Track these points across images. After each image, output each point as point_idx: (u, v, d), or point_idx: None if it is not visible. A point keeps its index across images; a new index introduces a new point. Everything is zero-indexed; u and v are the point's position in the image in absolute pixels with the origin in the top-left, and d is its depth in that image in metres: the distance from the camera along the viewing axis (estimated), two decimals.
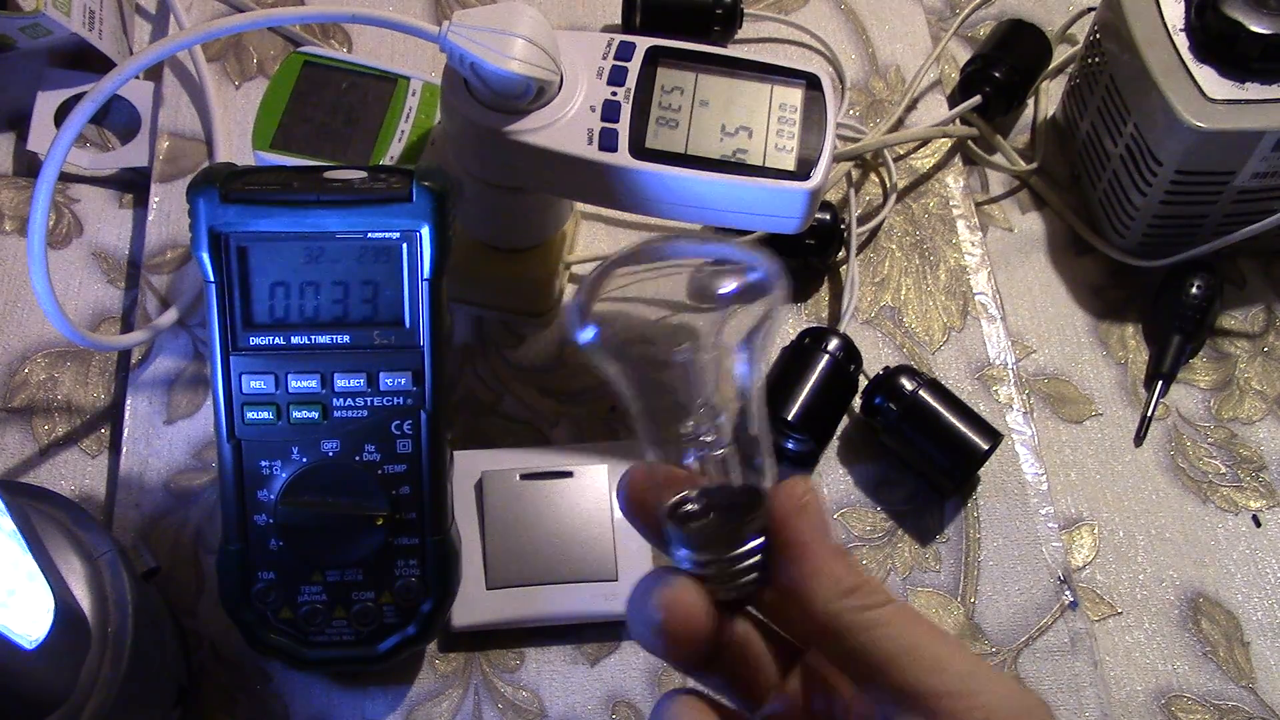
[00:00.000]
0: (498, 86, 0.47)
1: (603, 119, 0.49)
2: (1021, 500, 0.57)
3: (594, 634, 0.52)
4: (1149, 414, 0.60)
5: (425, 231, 0.45)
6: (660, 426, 0.34)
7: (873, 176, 0.66)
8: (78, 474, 0.55)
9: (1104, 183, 0.64)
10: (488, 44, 0.46)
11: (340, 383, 0.47)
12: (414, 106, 0.55)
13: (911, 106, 0.67)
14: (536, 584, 0.52)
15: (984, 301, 0.62)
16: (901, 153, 0.66)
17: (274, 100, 0.55)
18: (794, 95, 0.50)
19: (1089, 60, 0.64)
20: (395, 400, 0.47)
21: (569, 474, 0.53)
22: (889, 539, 0.56)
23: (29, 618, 0.39)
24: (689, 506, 0.34)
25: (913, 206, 0.65)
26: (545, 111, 0.49)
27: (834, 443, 0.58)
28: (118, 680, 0.42)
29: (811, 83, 0.51)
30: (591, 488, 0.53)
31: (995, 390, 0.59)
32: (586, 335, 0.34)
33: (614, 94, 0.49)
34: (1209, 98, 0.56)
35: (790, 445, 0.56)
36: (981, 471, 0.56)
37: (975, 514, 0.56)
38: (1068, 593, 0.54)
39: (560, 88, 0.49)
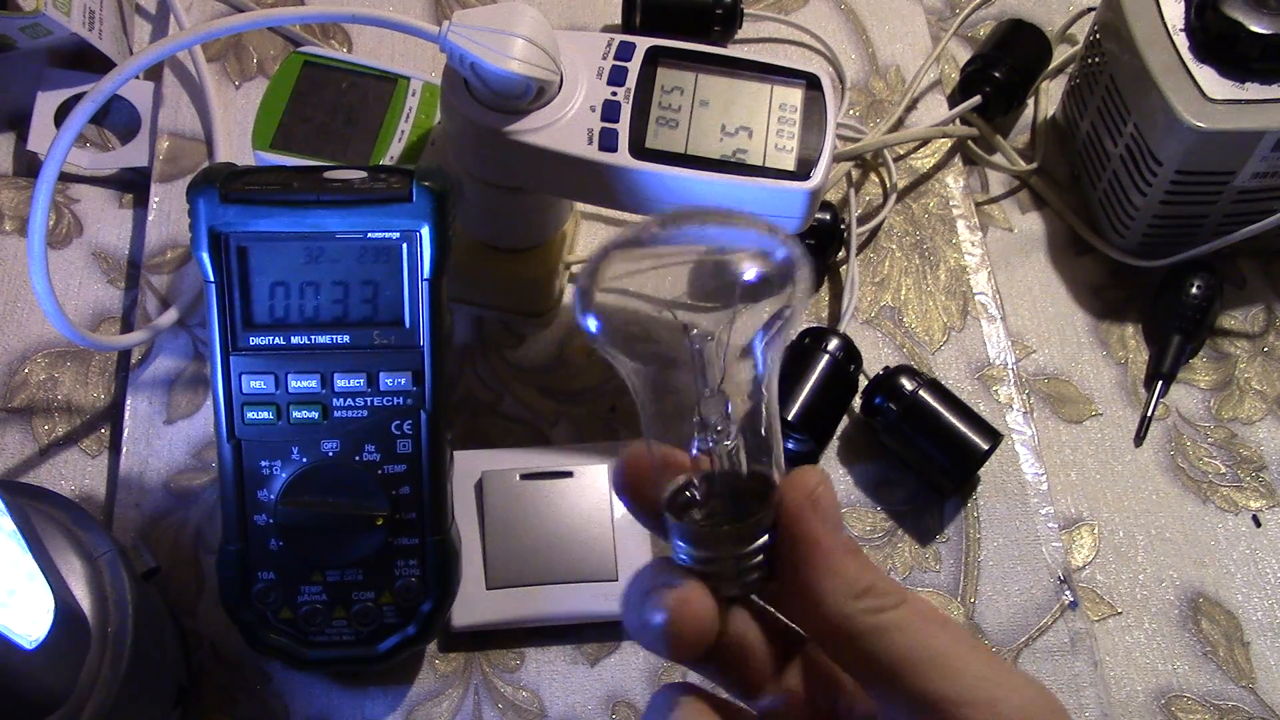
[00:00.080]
0: (498, 86, 0.47)
1: (603, 119, 0.49)
2: (1021, 500, 0.57)
3: (594, 634, 0.52)
4: (1149, 414, 0.60)
5: (425, 231, 0.45)
6: (666, 416, 0.32)
7: (873, 176, 0.66)
8: (78, 474, 0.55)
9: (1104, 183, 0.64)
10: (488, 44, 0.46)
11: (340, 383, 0.47)
12: (414, 106, 0.55)
13: (911, 106, 0.67)
14: (536, 584, 0.52)
15: (984, 301, 0.62)
16: (901, 153, 0.66)
17: (274, 100, 0.55)
18: (794, 95, 0.50)
19: (1089, 60, 0.64)
20: (395, 400, 0.47)
21: (569, 474, 0.53)
22: (889, 539, 0.56)
23: (29, 618, 0.39)
24: (690, 493, 0.32)
25: (913, 206, 0.65)
26: (545, 111, 0.49)
27: (834, 443, 0.58)
28: (118, 680, 0.42)
29: (811, 83, 0.51)
30: (591, 488, 0.53)
31: (995, 390, 0.59)
32: (590, 325, 0.32)
33: (614, 94, 0.49)
34: (1209, 98, 0.56)
35: (790, 445, 0.56)
36: (981, 471, 0.56)
37: (975, 514, 0.56)
38: (1068, 593, 0.54)
39: (560, 88, 0.49)
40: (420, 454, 0.47)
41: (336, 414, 0.47)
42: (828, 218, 0.60)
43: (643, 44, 0.51)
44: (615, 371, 0.33)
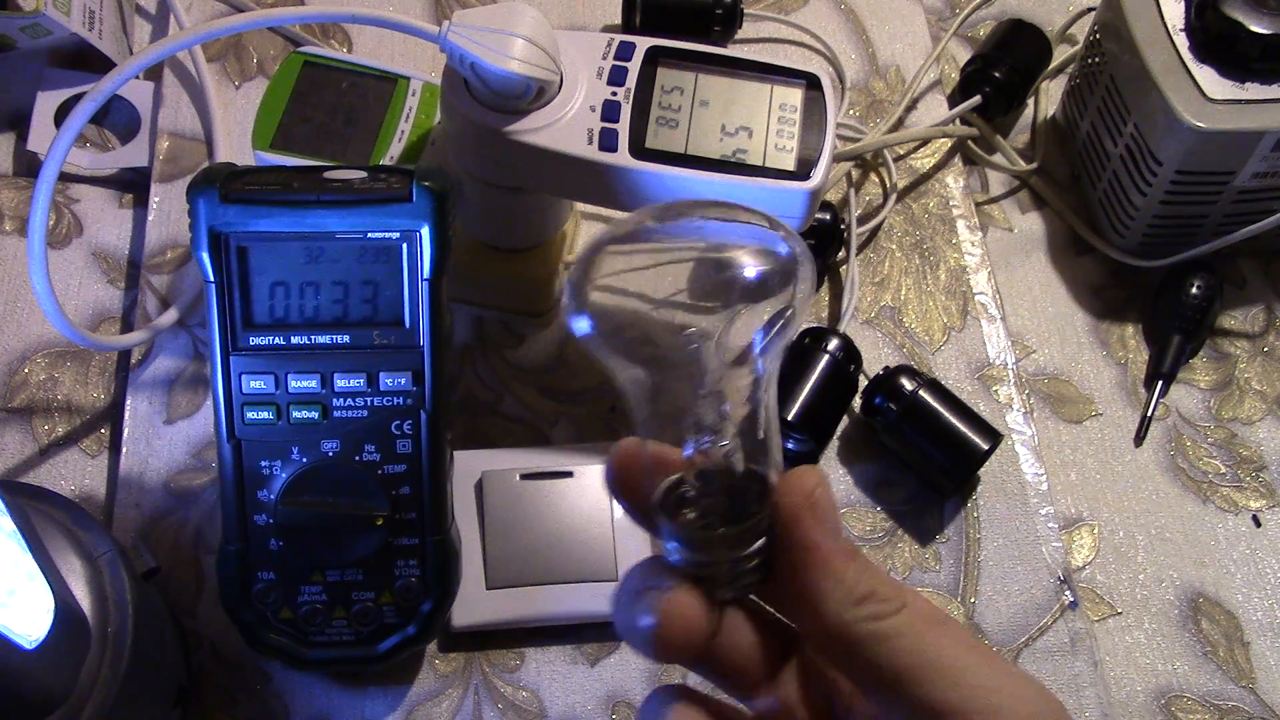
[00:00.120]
0: (498, 86, 0.47)
1: (603, 119, 0.49)
2: (1021, 500, 0.57)
3: (594, 634, 0.52)
4: (1149, 414, 0.60)
5: (425, 231, 0.45)
6: (661, 416, 0.31)
7: (873, 176, 0.66)
8: (78, 474, 0.55)
9: (1104, 183, 0.64)
10: (488, 44, 0.46)
11: (340, 383, 0.47)
12: (414, 106, 0.55)
13: (911, 106, 0.67)
14: (536, 584, 0.52)
15: (984, 301, 0.62)
16: (901, 153, 0.66)
17: (274, 100, 0.55)
18: (794, 95, 0.50)
19: (1089, 60, 0.64)
20: (395, 400, 0.47)
21: (569, 474, 0.53)
22: (889, 539, 0.56)
23: (29, 618, 0.39)
24: (684, 491, 0.31)
25: (913, 206, 0.65)
26: (545, 111, 0.49)
27: (834, 443, 0.58)
28: (118, 680, 0.42)
29: (811, 83, 0.51)
30: (591, 488, 0.53)
31: (995, 390, 0.59)
32: (581, 326, 0.31)
33: (614, 94, 0.49)
34: (1209, 98, 0.56)
35: (790, 445, 0.56)
36: (981, 471, 0.56)
37: (975, 514, 0.56)
38: (1068, 593, 0.54)
39: (560, 88, 0.49)
40: (420, 454, 0.47)
41: (336, 414, 0.47)
42: (828, 218, 0.60)
43: (643, 44, 0.51)
44: None
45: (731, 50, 0.51)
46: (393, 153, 0.54)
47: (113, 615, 0.43)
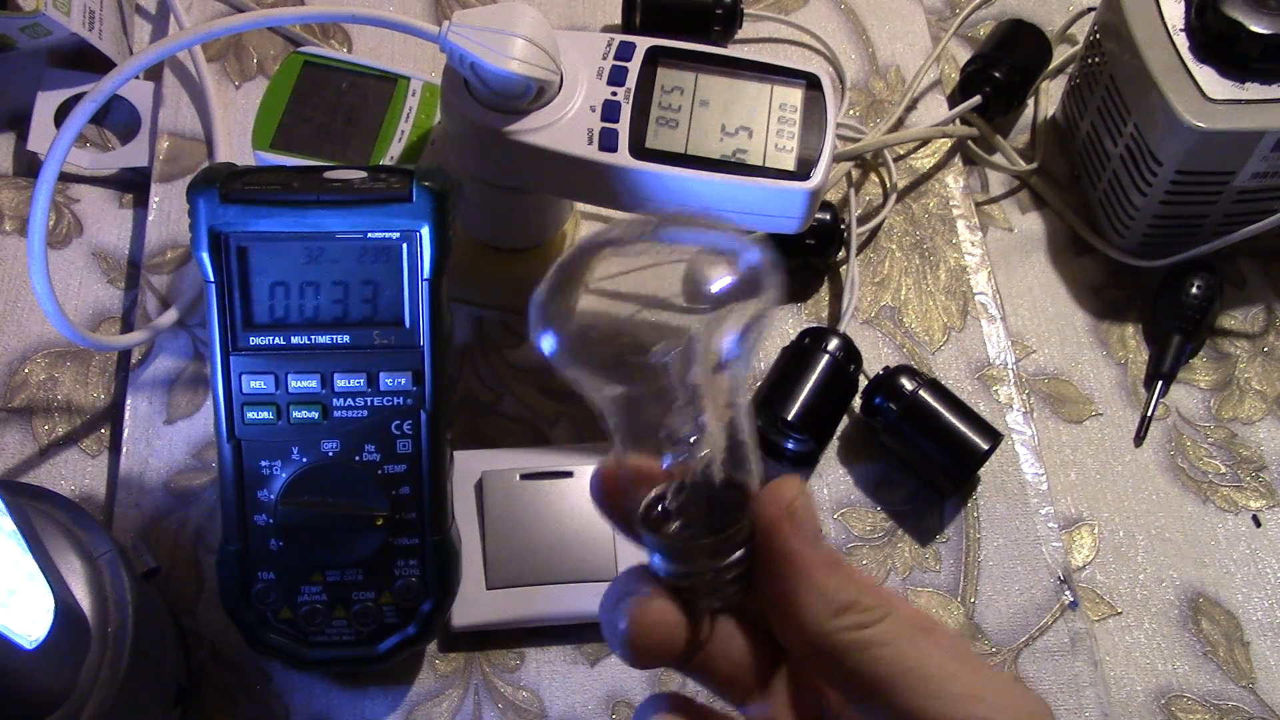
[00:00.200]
0: (498, 86, 0.47)
1: (603, 119, 0.49)
2: (1021, 500, 0.57)
3: (594, 634, 0.52)
4: (1149, 414, 0.60)
5: (425, 231, 0.45)
6: (637, 430, 0.31)
7: (873, 176, 0.66)
8: (78, 474, 0.55)
9: (1104, 183, 0.64)
10: (488, 44, 0.46)
11: (340, 383, 0.47)
12: (414, 106, 0.55)
13: (911, 106, 0.67)
14: (536, 584, 0.52)
15: (984, 301, 0.62)
16: (901, 153, 0.66)
17: (274, 100, 0.55)
18: (794, 95, 0.50)
19: (1089, 60, 0.64)
20: (395, 400, 0.47)
21: (569, 474, 0.53)
22: (889, 539, 0.56)
23: (29, 618, 0.39)
24: (665, 504, 0.31)
25: (913, 206, 0.65)
26: (545, 111, 0.49)
27: (834, 443, 0.58)
28: (118, 680, 0.42)
29: (811, 83, 0.51)
30: None
31: (995, 390, 0.59)
32: (548, 344, 0.31)
33: (614, 94, 0.49)
34: (1209, 98, 0.56)
35: (790, 445, 0.56)
36: (981, 471, 0.56)
37: (975, 514, 0.56)
38: (1068, 593, 0.54)
39: (560, 88, 0.49)
40: (420, 454, 0.47)
41: (336, 414, 0.47)
42: (828, 218, 0.60)
43: (643, 44, 0.51)
44: None
45: (731, 50, 0.51)
46: (393, 153, 0.54)
47: (113, 615, 0.43)
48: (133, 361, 0.57)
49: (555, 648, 0.52)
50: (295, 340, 0.46)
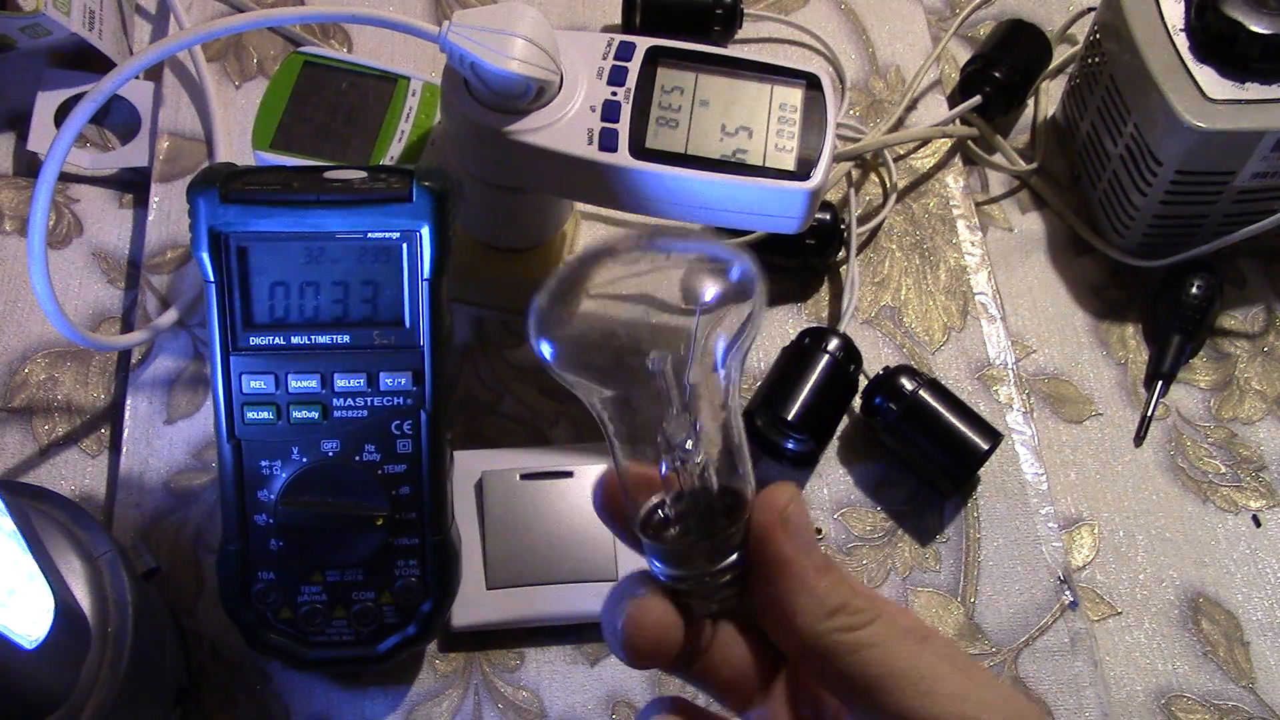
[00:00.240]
0: (498, 86, 0.47)
1: (603, 119, 0.49)
2: (1021, 500, 0.57)
3: (594, 634, 0.52)
4: (1149, 414, 0.60)
5: (425, 231, 0.45)
6: (634, 438, 0.32)
7: (873, 176, 0.66)
8: (78, 474, 0.55)
9: (1104, 183, 0.64)
10: (488, 44, 0.46)
11: (340, 383, 0.47)
12: (414, 106, 0.55)
13: (911, 106, 0.67)
14: (536, 584, 0.52)
15: (984, 301, 0.62)
16: (901, 153, 0.66)
17: (274, 100, 0.55)
18: (794, 95, 0.50)
19: (1089, 60, 0.64)
20: (395, 400, 0.47)
21: (569, 474, 0.53)
22: (889, 539, 0.56)
23: (29, 618, 0.39)
24: (663, 513, 0.32)
25: (913, 206, 0.65)
26: (545, 111, 0.49)
27: (834, 443, 0.58)
28: (118, 680, 0.42)
29: (811, 83, 0.51)
30: (591, 488, 0.53)
31: (995, 390, 0.59)
32: (547, 350, 0.32)
33: (614, 94, 0.49)
34: (1209, 98, 0.56)
35: (790, 445, 0.56)
36: (981, 471, 0.56)
37: (975, 514, 0.56)
38: (1068, 593, 0.54)
39: (560, 88, 0.49)
40: (420, 454, 0.47)
41: (336, 414, 0.47)
42: (828, 218, 0.60)
43: (643, 44, 0.51)
44: None
45: (731, 50, 0.51)
46: (393, 153, 0.54)
47: (113, 615, 0.43)
48: (133, 361, 0.57)
49: (555, 648, 0.52)
50: (295, 340, 0.46)
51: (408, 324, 0.47)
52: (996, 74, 0.65)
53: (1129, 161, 0.60)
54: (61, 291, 0.59)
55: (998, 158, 0.67)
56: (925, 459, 0.56)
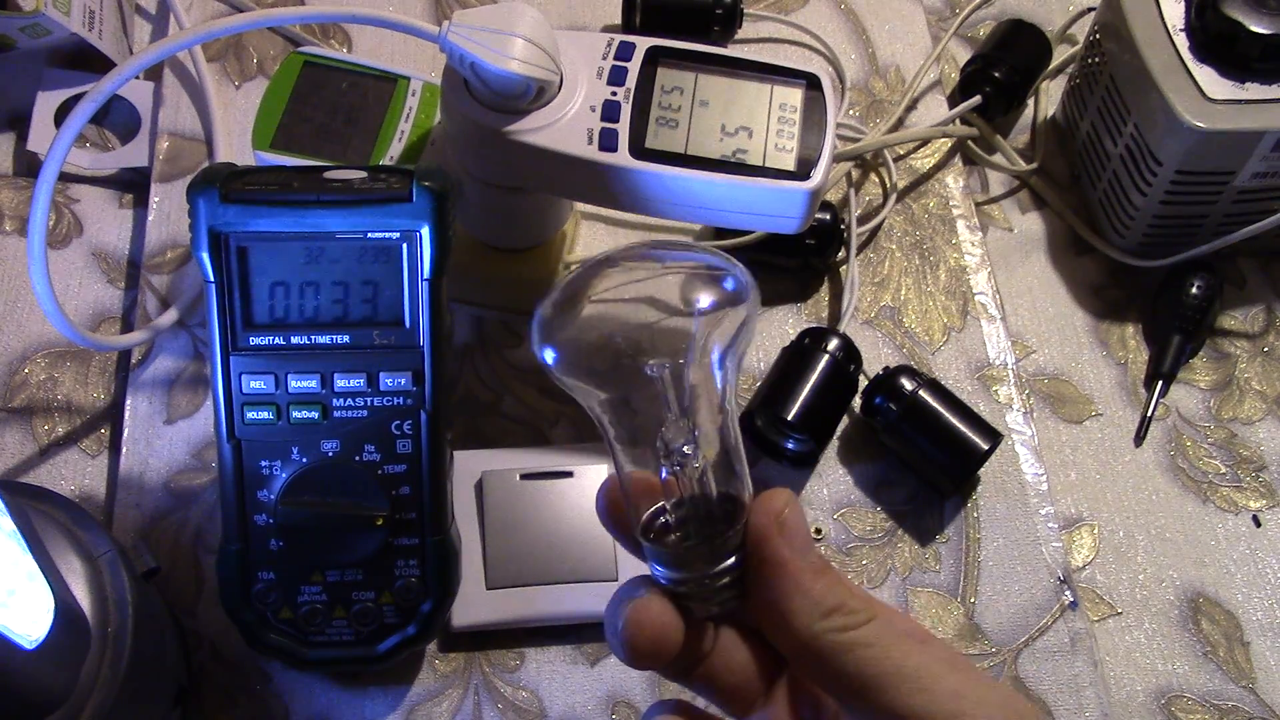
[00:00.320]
0: (498, 86, 0.47)
1: (603, 119, 0.49)
2: (1021, 500, 0.57)
3: (594, 634, 0.52)
4: (1149, 414, 0.60)
5: (425, 231, 0.45)
6: (634, 443, 0.33)
7: (873, 176, 0.66)
8: (78, 474, 0.55)
9: (1104, 183, 0.64)
10: (488, 44, 0.46)
11: (340, 383, 0.47)
12: (414, 106, 0.55)
13: (911, 106, 0.67)
14: (536, 584, 0.52)
15: (984, 301, 0.62)
16: (901, 153, 0.66)
17: (274, 100, 0.55)
18: (794, 95, 0.50)
19: (1089, 60, 0.64)
20: (395, 400, 0.47)
21: (569, 474, 0.53)
22: (889, 539, 0.56)
23: (29, 618, 0.39)
24: (664, 519, 0.33)
25: (913, 206, 0.65)
26: (545, 111, 0.49)
27: (834, 443, 0.58)
28: (118, 680, 0.42)
29: (811, 83, 0.51)
30: (591, 488, 0.53)
31: (995, 390, 0.59)
32: (550, 356, 0.33)
33: (614, 94, 0.49)
34: (1209, 98, 0.56)
35: (790, 445, 0.56)
36: (981, 471, 0.56)
37: (975, 514, 0.56)
38: (1068, 593, 0.54)
39: (560, 88, 0.49)
40: (420, 454, 0.47)
41: (336, 414, 0.47)
42: (828, 218, 0.60)
43: (643, 44, 0.51)
44: None
45: (731, 50, 0.51)
46: (393, 153, 0.54)
47: (113, 615, 0.43)
48: (133, 361, 0.57)
49: (555, 648, 0.52)
50: (295, 340, 0.46)
51: (408, 324, 0.47)
52: (996, 74, 0.65)
53: (1129, 161, 0.60)
54: (61, 291, 0.59)
55: (998, 158, 0.67)
56: (925, 459, 0.56)
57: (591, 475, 0.53)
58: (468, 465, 0.53)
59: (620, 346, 0.32)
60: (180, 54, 0.65)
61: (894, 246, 0.64)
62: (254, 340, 0.46)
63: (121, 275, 0.60)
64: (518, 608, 0.51)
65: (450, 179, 0.46)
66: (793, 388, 0.55)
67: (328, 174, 0.46)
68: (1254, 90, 0.56)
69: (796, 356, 0.56)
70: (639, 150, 0.49)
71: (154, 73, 0.65)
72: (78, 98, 0.58)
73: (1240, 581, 0.56)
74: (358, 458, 0.47)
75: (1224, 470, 0.59)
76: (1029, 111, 0.69)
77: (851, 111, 0.67)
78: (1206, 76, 0.56)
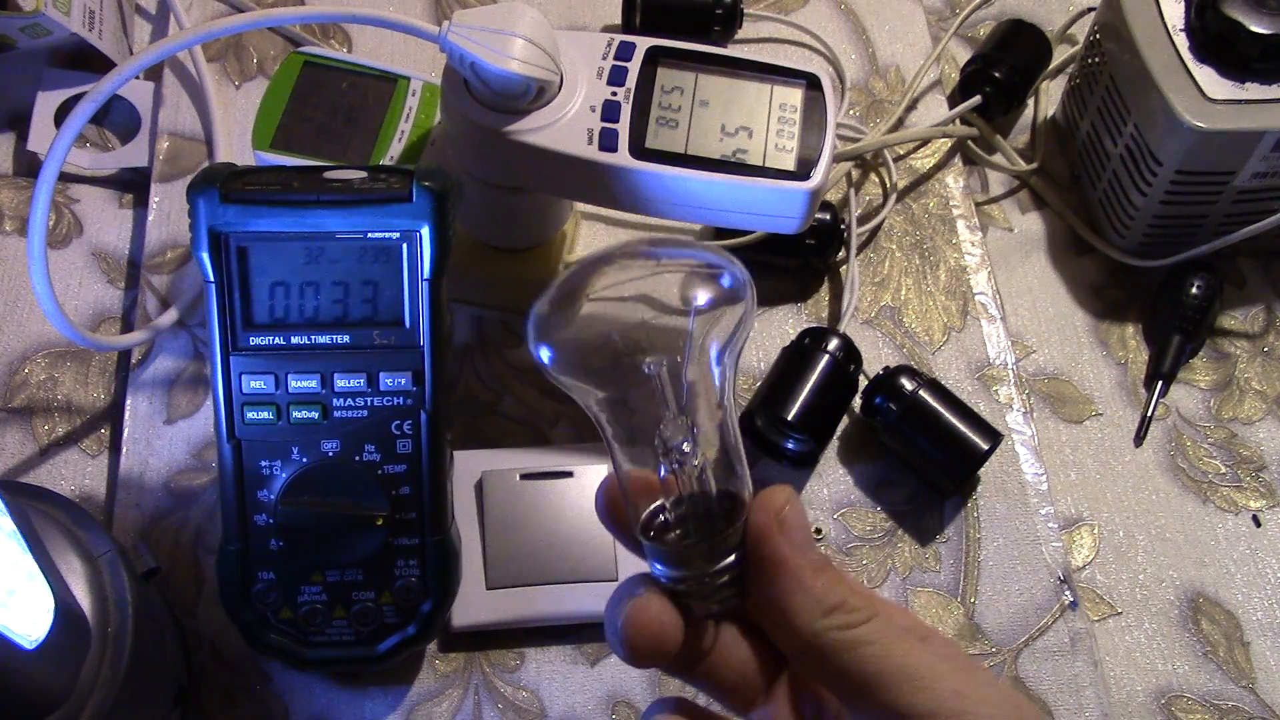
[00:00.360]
0: (498, 86, 0.47)
1: (603, 119, 0.49)
2: (1021, 500, 0.57)
3: (594, 634, 0.52)
4: (1149, 414, 0.60)
5: (425, 231, 0.45)
6: (633, 442, 0.33)
7: (873, 176, 0.66)
8: (78, 474, 0.55)
9: (1104, 183, 0.64)
10: (488, 44, 0.46)
11: (340, 383, 0.47)
12: (414, 106, 0.55)
13: (911, 106, 0.67)
14: (536, 584, 0.52)
15: (984, 301, 0.62)
16: (901, 153, 0.66)
17: (274, 100, 0.55)
18: (794, 95, 0.50)
19: (1089, 60, 0.64)
20: (395, 400, 0.47)
21: (569, 474, 0.53)
22: (889, 539, 0.56)
23: (29, 618, 0.39)
24: (663, 517, 0.33)
25: (913, 206, 0.65)
26: (545, 111, 0.49)
27: (834, 443, 0.58)
28: (118, 680, 0.42)
29: (811, 83, 0.51)
30: (591, 488, 0.53)
31: (995, 390, 0.59)
32: (545, 354, 0.33)
33: (614, 94, 0.49)
34: (1209, 98, 0.56)
35: (790, 445, 0.56)
36: (981, 471, 0.56)
37: (975, 514, 0.56)
38: (1068, 593, 0.54)
39: (560, 88, 0.49)
40: (420, 454, 0.47)
41: (336, 414, 0.47)
42: (828, 218, 0.60)
43: (643, 44, 0.51)
44: None
45: (731, 50, 0.51)
46: (393, 153, 0.54)
47: (113, 615, 0.43)
48: (133, 361, 0.57)
49: (555, 648, 0.52)
50: (295, 340, 0.46)
51: (408, 324, 0.47)
52: (996, 74, 0.65)
53: (1129, 161, 0.60)
54: (61, 291, 0.59)
55: (998, 158, 0.67)
56: (925, 459, 0.56)
57: (591, 475, 0.53)
58: (468, 465, 0.53)
59: (617, 345, 0.32)
60: (180, 54, 0.65)
61: (894, 246, 0.64)
62: (254, 340, 0.46)
63: (121, 275, 0.60)
64: (518, 608, 0.51)
65: (450, 179, 0.46)
66: (793, 388, 0.55)
67: (328, 174, 0.46)
68: (1254, 90, 0.56)
69: (796, 356, 0.56)
70: (639, 150, 0.49)
71: (154, 73, 0.65)
72: (78, 98, 0.58)
73: (1240, 581, 0.56)
74: (358, 458, 0.47)
75: (1224, 470, 0.59)
76: (1029, 111, 0.69)
77: (851, 111, 0.67)
78: (1206, 76, 0.56)
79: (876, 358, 0.60)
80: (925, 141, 0.66)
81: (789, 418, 0.54)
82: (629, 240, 0.35)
